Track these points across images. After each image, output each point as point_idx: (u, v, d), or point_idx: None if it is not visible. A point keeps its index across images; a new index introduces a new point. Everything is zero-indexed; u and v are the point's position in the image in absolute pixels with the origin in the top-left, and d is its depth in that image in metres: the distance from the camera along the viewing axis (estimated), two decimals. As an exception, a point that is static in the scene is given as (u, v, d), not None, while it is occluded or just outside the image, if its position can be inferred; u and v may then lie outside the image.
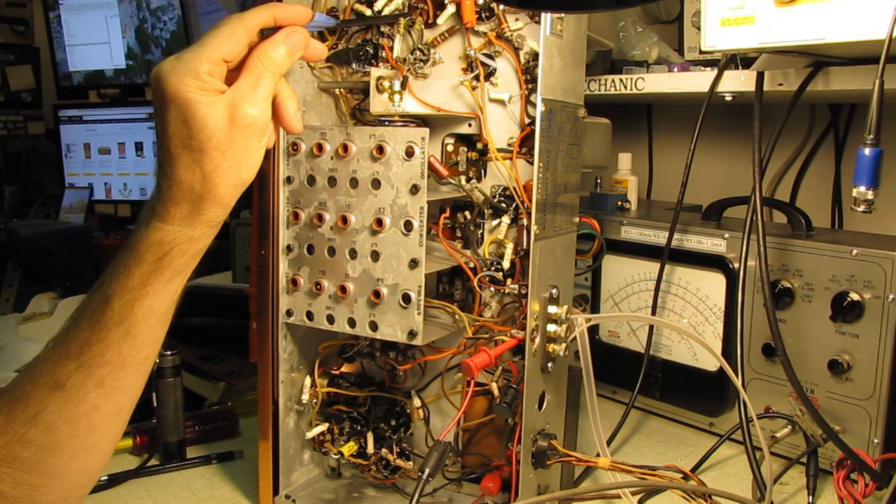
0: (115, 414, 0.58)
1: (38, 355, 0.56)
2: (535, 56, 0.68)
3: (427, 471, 0.67)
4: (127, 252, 0.56)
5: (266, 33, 0.57)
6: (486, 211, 0.76)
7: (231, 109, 0.54)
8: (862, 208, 0.66)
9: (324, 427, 0.83)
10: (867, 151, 0.65)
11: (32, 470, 0.55)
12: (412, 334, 0.70)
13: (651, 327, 1.05)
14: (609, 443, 0.92)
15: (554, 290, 0.71)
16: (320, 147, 0.74)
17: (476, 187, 0.76)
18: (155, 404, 0.93)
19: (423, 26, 0.76)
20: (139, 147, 2.17)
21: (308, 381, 0.83)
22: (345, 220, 0.72)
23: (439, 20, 0.75)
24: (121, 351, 0.55)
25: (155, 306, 0.56)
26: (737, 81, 0.95)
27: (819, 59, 0.85)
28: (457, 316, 0.76)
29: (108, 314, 0.54)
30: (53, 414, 0.54)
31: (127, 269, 0.55)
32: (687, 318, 1.03)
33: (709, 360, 1.01)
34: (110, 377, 0.55)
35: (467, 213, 0.78)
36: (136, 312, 0.55)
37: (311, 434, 0.83)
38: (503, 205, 0.75)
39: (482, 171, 0.78)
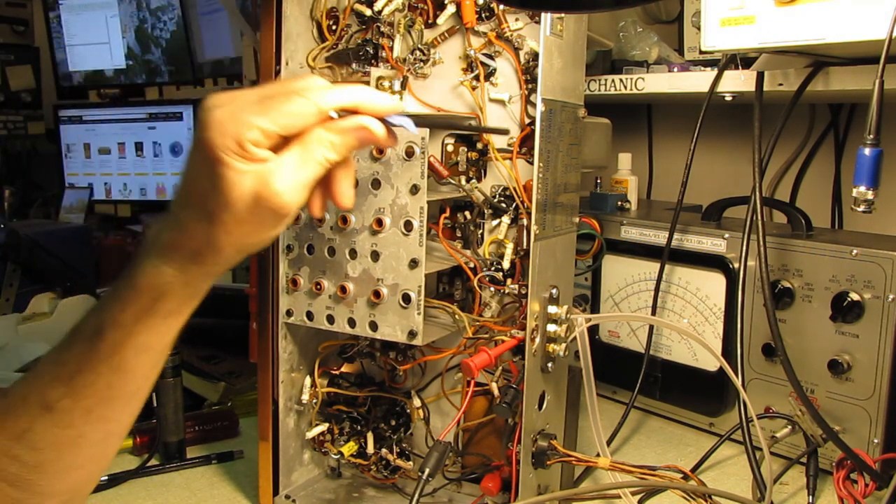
0: (103, 440, 0.56)
1: (35, 368, 0.55)
2: (535, 56, 0.68)
3: (427, 471, 0.67)
4: (125, 281, 0.53)
5: (341, 114, 0.51)
6: (486, 211, 0.76)
7: (261, 186, 0.48)
8: (862, 208, 0.66)
9: (324, 427, 0.83)
10: (867, 151, 0.65)
11: (17, 484, 0.54)
12: (412, 334, 0.70)
13: (651, 327, 1.05)
14: (609, 443, 0.92)
15: (554, 290, 0.71)
16: (320, 147, 0.73)
17: (476, 187, 0.76)
18: (155, 404, 0.93)
19: (423, 26, 0.76)
20: (139, 147, 2.17)
21: (308, 381, 0.83)
22: (345, 220, 0.72)
23: (439, 20, 0.75)
24: (110, 383, 0.53)
25: (149, 343, 0.53)
26: (737, 81, 0.95)
27: (819, 59, 0.85)
28: (457, 316, 0.76)
29: (99, 345, 0.52)
30: (39, 435, 0.53)
31: (122, 301, 0.52)
32: (687, 318, 1.03)
33: (709, 360, 1.01)
34: (98, 407, 0.53)
35: (467, 213, 0.78)
36: (128, 348, 0.52)
37: (311, 434, 0.83)
38: (503, 205, 0.75)
39: (482, 171, 0.78)
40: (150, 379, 0.56)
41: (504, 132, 0.72)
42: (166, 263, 0.51)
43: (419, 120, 0.56)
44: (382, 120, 0.52)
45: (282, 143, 0.49)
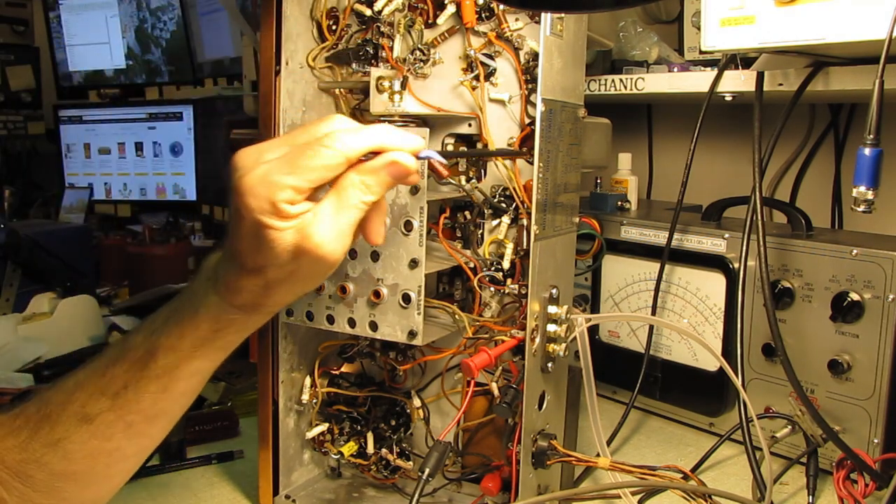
0: (135, 455, 0.58)
1: (76, 376, 0.55)
2: (535, 56, 0.68)
3: (427, 471, 0.67)
4: (186, 307, 0.54)
5: (367, 156, 0.51)
6: (486, 211, 0.76)
7: (303, 239, 0.48)
8: (862, 208, 0.66)
9: (324, 427, 0.83)
10: (867, 151, 0.65)
11: (42, 491, 0.54)
12: (412, 334, 0.70)
13: (651, 327, 1.05)
14: (609, 443, 0.92)
15: (554, 290, 0.71)
16: (320, 147, 0.73)
17: (476, 187, 0.76)
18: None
19: (423, 26, 0.76)
20: (139, 147, 2.17)
21: (308, 381, 0.83)
22: (345, 220, 0.72)
23: (439, 20, 0.75)
24: (156, 401, 0.55)
25: (201, 367, 0.55)
26: (737, 81, 0.95)
27: (819, 59, 0.85)
28: (457, 316, 0.76)
29: (151, 366, 0.53)
30: (76, 444, 0.54)
31: (180, 328, 0.53)
32: (687, 318, 1.03)
33: (709, 360, 1.01)
34: (140, 423, 0.55)
35: (467, 213, 0.78)
36: (181, 372, 0.54)
37: (311, 434, 0.83)
38: (503, 205, 0.75)
39: (482, 171, 0.78)
40: (192, 398, 0.58)
41: (523, 155, 0.72)
42: (228, 303, 0.53)
43: (443, 154, 0.58)
44: None
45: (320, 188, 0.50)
